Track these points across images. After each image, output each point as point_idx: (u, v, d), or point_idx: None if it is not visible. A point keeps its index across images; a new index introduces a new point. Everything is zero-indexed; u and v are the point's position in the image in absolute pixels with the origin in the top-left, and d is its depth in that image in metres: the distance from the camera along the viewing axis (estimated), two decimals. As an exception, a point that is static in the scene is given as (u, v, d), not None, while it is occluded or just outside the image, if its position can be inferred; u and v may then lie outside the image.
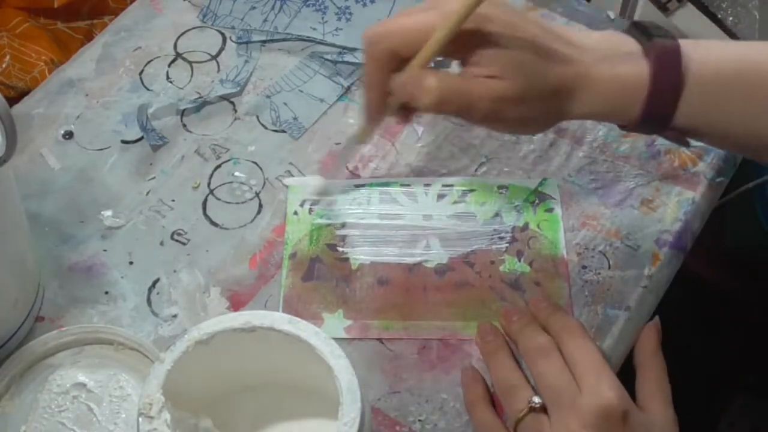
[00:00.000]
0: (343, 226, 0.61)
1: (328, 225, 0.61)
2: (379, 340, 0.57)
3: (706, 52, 0.49)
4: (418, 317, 0.57)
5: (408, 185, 0.63)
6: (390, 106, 0.50)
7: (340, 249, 0.60)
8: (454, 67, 0.52)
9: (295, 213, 0.62)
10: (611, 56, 0.49)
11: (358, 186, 0.63)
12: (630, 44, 0.50)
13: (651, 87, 0.48)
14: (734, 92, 0.48)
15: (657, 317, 0.56)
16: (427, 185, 0.63)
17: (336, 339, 0.45)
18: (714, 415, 1.03)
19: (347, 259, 0.60)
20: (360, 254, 0.60)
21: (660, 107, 0.48)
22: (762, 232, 0.90)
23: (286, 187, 0.63)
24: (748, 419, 1.02)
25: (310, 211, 0.62)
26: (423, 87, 0.47)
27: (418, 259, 0.60)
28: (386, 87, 0.49)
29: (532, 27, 0.48)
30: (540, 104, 0.49)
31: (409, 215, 0.62)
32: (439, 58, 0.49)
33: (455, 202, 0.62)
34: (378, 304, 0.58)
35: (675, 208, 0.62)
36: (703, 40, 0.51)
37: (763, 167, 0.82)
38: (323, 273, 0.59)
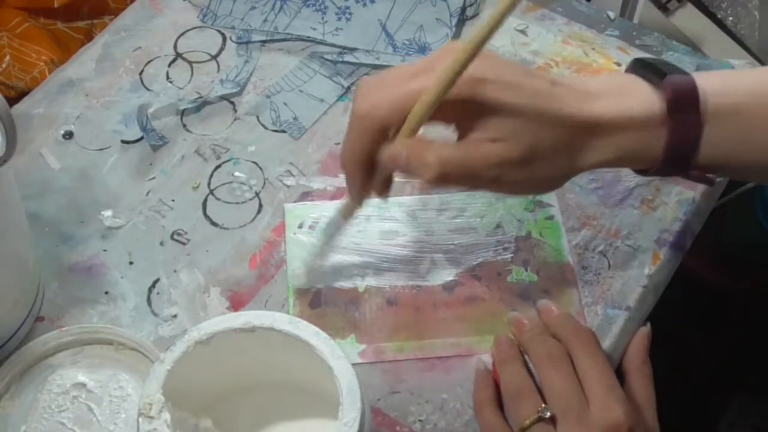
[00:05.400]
0: (345, 248, 0.60)
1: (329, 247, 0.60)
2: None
3: (720, 83, 0.47)
4: (431, 336, 0.56)
5: (406, 203, 0.62)
6: (377, 180, 0.48)
7: (345, 272, 0.59)
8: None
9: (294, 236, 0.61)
10: (621, 98, 0.47)
11: None
12: (639, 83, 0.48)
13: (671, 125, 0.46)
14: (756, 121, 0.47)
15: (648, 324, 0.56)
16: (425, 203, 0.62)
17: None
18: (714, 415, 1.03)
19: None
20: (365, 276, 0.59)
21: (683, 144, 0.47)
22: (762, 232, 0.91)
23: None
24: (748, 419, 1.03)
25: (309, 231, 0.61)
26: (422, 163, 0.45)
27: (425, 277, 0.59)
28: (371, 162, 0.47)
29: (533, 81, 0.46)
30: (549, 162, 0.47)
31: (409, 233, 0.61)
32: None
33: (455, 217, 0.62)
34: (389, 325, 0.57)
35: (675, 208, 0.62)
36: (713, 71, 0.50)
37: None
38: (330, 298, 0.58)
